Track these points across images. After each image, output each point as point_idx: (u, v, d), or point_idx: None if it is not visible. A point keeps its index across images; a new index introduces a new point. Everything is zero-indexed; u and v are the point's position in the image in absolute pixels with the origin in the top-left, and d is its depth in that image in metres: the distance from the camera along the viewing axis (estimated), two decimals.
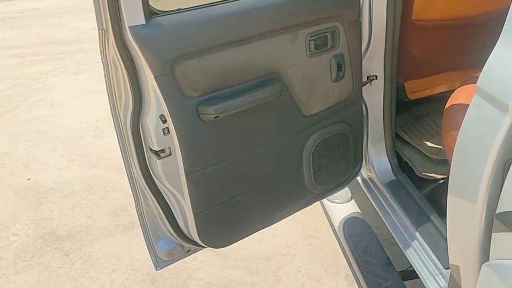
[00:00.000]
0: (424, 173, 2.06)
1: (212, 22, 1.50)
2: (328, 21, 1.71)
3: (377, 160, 2.12)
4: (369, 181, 2.13)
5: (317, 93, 1.79)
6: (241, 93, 1.57)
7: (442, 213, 1.82)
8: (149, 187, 1.66)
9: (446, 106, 1.79)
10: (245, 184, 1.74)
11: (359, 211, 2.19)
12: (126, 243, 2.97)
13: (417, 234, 1.77)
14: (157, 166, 1.58)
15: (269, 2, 1.58)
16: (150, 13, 1.40)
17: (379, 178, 2.07)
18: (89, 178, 3.65)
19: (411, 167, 2.13)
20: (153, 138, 1.52)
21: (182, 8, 1.50)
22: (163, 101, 1.46)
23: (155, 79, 1.43)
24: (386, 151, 2.11)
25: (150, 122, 1.51)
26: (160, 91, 1.44)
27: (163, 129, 1.52)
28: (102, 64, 1.50)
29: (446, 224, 1.25)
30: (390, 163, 2.09)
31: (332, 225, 2.23)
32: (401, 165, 2.11)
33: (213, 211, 1.69)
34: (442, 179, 2.04)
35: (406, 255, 1.79)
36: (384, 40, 1.95)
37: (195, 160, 1.59)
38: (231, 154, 1.67)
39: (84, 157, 3.95)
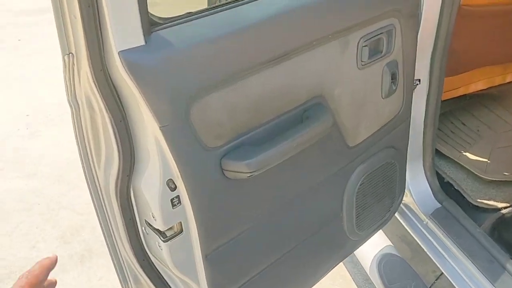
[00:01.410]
0: (479, 200, 1.68)
1: (242, 32, 0.97)
2: (384, 17, 1.23)
3: (414, 183, 1.70)
4: (405, 210, 1.71)
5: (366, 116, 1.31)
6: (281, 133, 1.07)
7: None
8: (145, 272, 1.14)
9: None
10: (278, 247, 1.26)
11: (390, 242, 1.78)
12: (85, 279, 2.41)
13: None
14: (161, 249, 1.05)
15: None
16: (149, 25, 0.84)
17: (419, 207, 1.66)
18: (26, 193, 2.94)
19: (456, 190, 1.74)
20: (156, 213, 0.99)
21: (193, 12, 0.95)
22: (173, 159, 0.93)
23: (161, 130, 0.89)
24: (425, 171, 1.70)
25: (151, 190, 0.98)
26: (169, 146, 0.91)
27: (172, 200, 0.99)
28: (69, 104, 0.94)
29: None
30: (430, 186, 1.68)
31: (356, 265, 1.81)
32: (443, 187, 1.71)
33: None
34: (505, 207, 1.66)
35: None
36: (435, 34, 1.49)
37: (217, 235, 1.09)
38: (262, 214, 1.17)
39: (16, 165, 3.21)
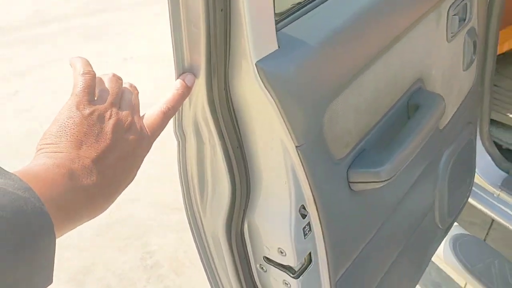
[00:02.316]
0: None
1: (357, 20, 0.81)
2: None
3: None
4: (473, 188, 1.61)
5: (452, 93, 1.18)
6: (401, 130, 0.92)
7: None
8: None
9: None
10: (391, 255, 1.12)
11: (456, 223, 1.68)
12: None
13: None
14: (289, 286, 0.89)
15: None
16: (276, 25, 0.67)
17: (486, 180, 1.56)
18: None
19: None
20: (287, 246, 0.82)
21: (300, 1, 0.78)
22: (308, 182, 0.76)
23: (298, 150, 0.72)
24: (483, 141, 1.60)
25: (280, 221, 0.81)
26: (305, 166, 0.75)
27: (304, 228, 0.82)
28: (175, 136, 0.75)
29: None
30: (492, 157, 1.58)
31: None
32: (504, 156, 1.62)
33: None
34: None
35: None
36: None
37: (345, 257, 0.94)
38: (380, 224, 1.03)
39: None
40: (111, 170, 0.51)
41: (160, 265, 2.36)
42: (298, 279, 0.87)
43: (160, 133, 0.59)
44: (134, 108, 0.58)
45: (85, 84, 0.54)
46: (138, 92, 0.62)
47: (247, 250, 0.89)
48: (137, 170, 0.56)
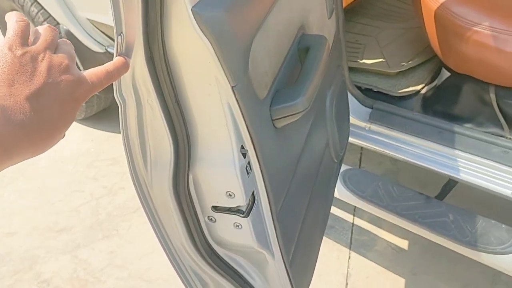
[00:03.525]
0: (400, 91, 1.85)
1: None
2: None
3: None
4: None
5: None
6: (305, 67, 1.04)
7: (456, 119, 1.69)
8: (217, 269, 1.02)
9: None
10: (309, 188, 1.24)
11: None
12: None
13: (453, 150, 1.59)
14: (241, 227, 0.95)
15: None
16: None
17: (356, 117, 1.78)
18: None
19: (376, 92, 1.89)
20: (236, 186, 0.89)
21: None
22: (244, 121, 0.84)
23: (233, 90, 0.79)
24: (346, 83, 1.81)
25: (225, 165, 0.87)
26: (241, 106, 0.82)
27: (246, 167, 0.89)
28: (117, 101, 0.76)
29: None
30: (356, 97, 1.80)
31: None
32: (365, 94, 1.85)
33: (295, 250, 1.16)
34: (422, 87, 1.87)
35: (439, 171, 1.63)
36: None
37: (279, 192, 1.03)
38: (296, 161, 1.14)
39: None
40: (48, 110, 0.52)
41: None
42: (248, 217, 0.93)
43: (99, 87, 0.59)
44: (71, 55, 0.59)
45: (18, 28, 0.55)
46: (73, 47, 0.62)
47: (194, 205, 0.93)
48: (76, 112, 0.57)
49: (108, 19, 2.23)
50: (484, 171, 1.56)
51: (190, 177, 0.89)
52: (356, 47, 2.10)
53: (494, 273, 2.05)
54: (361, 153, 2.67)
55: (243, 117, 0.83)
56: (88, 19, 2.38)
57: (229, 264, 1.05)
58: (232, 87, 0.78)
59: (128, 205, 2.63)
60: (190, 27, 0.69)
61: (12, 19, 0.56)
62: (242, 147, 0.87)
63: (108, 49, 2.68)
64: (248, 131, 0.85)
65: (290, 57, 1.07)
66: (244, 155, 0.88)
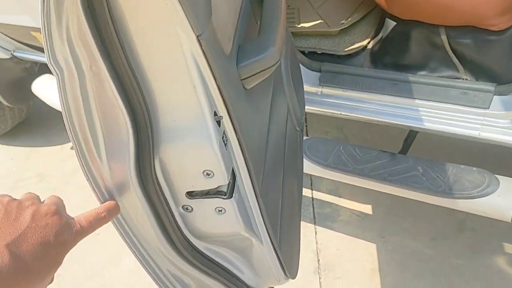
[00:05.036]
0: (346, 50, 1.75)
1: None
2: None
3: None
4: None
5: None
6: (263, 19, 0.89)
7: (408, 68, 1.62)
8: (199, 266, 0.86)
9: None
10: (280, 157, 1.11)
11: None
12: None
13: (411, 100, 1.52)
14: (224, 212, 0.80)
15: None
16: None
17: (307, 83, 1.67)
18: None
19: (322, 53, 1.78)
20: (214, 163, 0.73)
21: None
22: (214, 79, 0.68)
23: (198, 40, 0.63)
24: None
25: (197, 138, 0.71)
26: (209, 60, 0.66)
27: (223, 138, 0.74)
28: (52, 71, 0.58)
29: None
30: (301, 62, 1.69)
31: None
32: (310, 58, 1.74)
33: (281, 231, 1.03)
34: (368, 42, 1.78)
35: (399, 123, 1.57)
36: None
37: (257, 165, 0.88)
38: (267, 129, 1.00)
39: None
40: (29, 255, 0.53)
41: None
42: (232, 198, 0.78)
43: (90, 231, 0.61)
44: (58, 204, 0.61)
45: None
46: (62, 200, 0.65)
47: (165, 196, 0.77)
48: (63, 257, 0.57)
49: (12, 18, 1.95)
50: (445, 116, 1.50)
51: (157, 160, 0.72)
52: (289, 12, 1.99)
53: (460, 221, 2.05)
54: (306, 125, 2.58)
55: (213, 75, 0.67)
56: None
57: (213, 259, 0.90)
58: (197, 37, 0.62)
59: None
60: None
61: None
62: (215, 114, 0.72)
63: (15, 54, 2.39)
64: (220, 92, 0.70)
65: (244, 10, 0.92)
66: (219, 123, 0.73)
